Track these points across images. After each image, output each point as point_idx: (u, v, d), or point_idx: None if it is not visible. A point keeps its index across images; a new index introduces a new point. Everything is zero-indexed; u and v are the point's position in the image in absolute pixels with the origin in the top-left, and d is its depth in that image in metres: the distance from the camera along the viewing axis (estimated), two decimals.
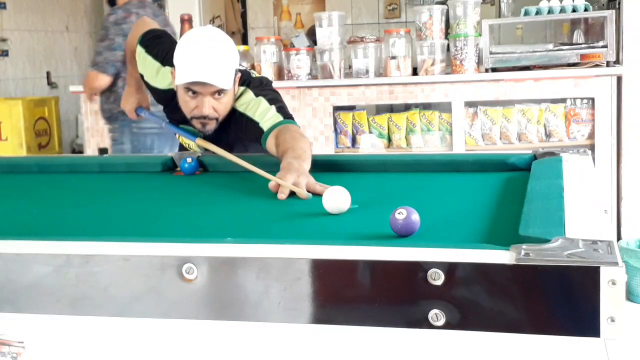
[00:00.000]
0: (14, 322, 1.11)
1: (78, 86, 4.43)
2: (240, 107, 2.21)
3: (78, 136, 6.07)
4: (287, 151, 1.90)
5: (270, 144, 2.06)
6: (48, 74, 6.22)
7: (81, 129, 4.60)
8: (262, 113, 2.15)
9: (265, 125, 2.11)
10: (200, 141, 2.21)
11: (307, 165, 1.84)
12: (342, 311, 1.01)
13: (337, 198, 1.50)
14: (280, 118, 2.13)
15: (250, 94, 2.23)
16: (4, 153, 4.61)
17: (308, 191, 1.67)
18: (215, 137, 2.24)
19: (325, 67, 4.12)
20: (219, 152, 2.10)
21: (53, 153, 5.01)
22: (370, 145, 4.08)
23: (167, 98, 2.35)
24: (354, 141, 4.17)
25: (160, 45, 2.40)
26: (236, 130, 2.24)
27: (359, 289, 1.00)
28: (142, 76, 2.45)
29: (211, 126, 2.17)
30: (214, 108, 2.13)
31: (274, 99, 2.22)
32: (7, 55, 5.75)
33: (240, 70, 2.26)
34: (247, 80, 2.29)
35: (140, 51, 2.43)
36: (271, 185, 1.71)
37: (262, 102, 2.18)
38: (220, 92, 2.11)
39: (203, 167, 2.16)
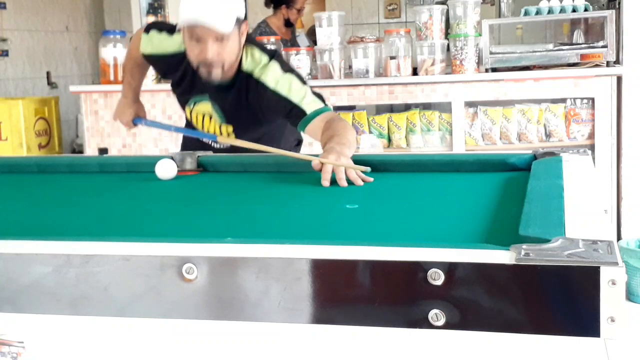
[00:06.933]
0: (14, 322, 1.11)
1: (78, 86, 4.44)
2: (268, 80, 2.25)
3: (78, 136, 6.06)
4: (334, 137, 2.00)
5: (315, 127, 2.15)
6: (48, 74, 6.22)
7: (81, 129, 4.59)
8: (297, 92, 2.22)
9: (308, 108, 2.19)
10: (222, 138, 2.26)
11: (350, 152, 1.95)
12: (342, 311, 1.01)
13: (162, 168, 1.96)
14: (321, 104, 2.22)
15: (276, 67, 2.27)
16: (4, 153, 4.60)
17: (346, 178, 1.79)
18: (235, 110, 2.31)
19: (325, 67, 4.11)
20: (245, 144, 2.17)
21: (53, 153, 4.99)
22: (370, 146, 4.08)
23: (179, 61, 2.38)
24: None
25: (165, 26, 2.51)
26: (259, 101, 2.28)
27: (359, 289, 1.00)
28: (149, 57, 2.50)
29: (217, 72, 2.22)
30: (218, 53, 2.18)
31: (301, 77, 2.28)
32: (7, 55, 5.75)
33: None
34: (263, 48, 2.34)
35: (145, 36, 2.49)
36: (314, 164, 1.85)
37: (294, 80, 2.25)
38: (222, 38, 2.16)
39: (203, 167, 2.16)
